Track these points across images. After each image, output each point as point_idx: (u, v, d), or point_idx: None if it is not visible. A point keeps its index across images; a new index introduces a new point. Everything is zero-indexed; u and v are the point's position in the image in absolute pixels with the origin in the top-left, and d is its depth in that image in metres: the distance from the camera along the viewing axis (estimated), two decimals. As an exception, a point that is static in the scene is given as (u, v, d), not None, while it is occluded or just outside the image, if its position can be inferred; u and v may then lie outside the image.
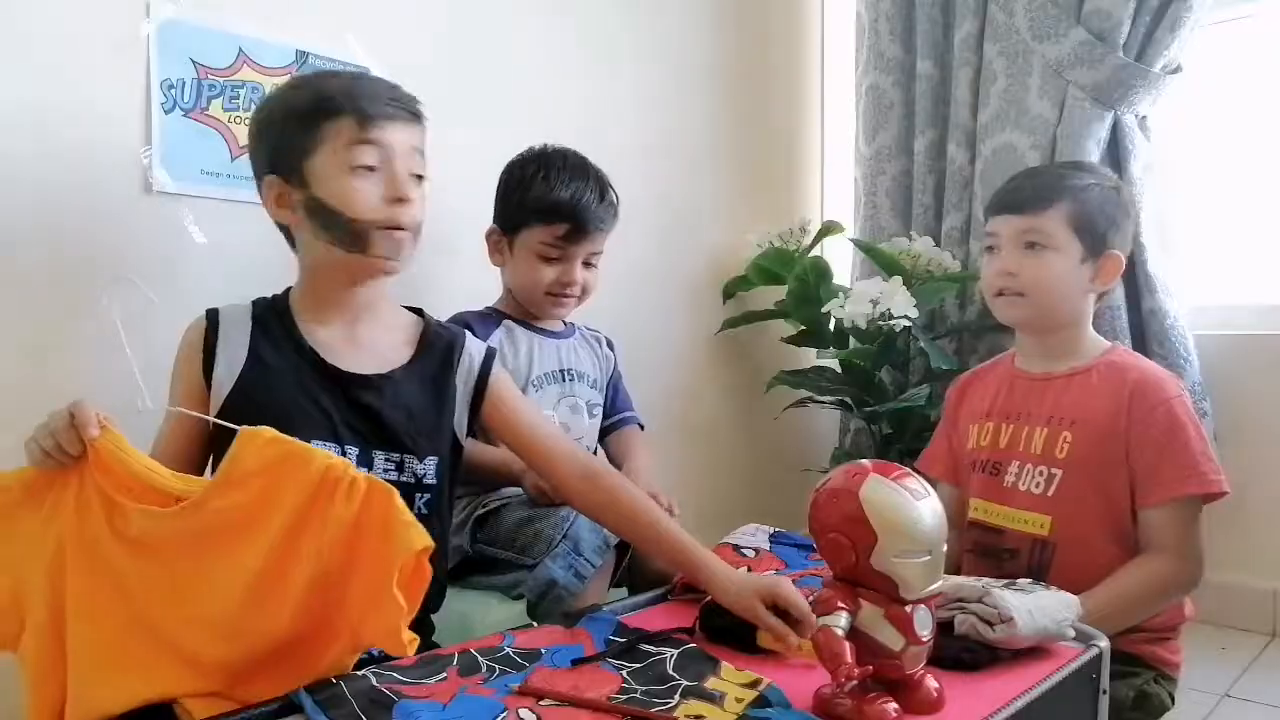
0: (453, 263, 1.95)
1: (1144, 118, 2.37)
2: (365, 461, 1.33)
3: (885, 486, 1.01)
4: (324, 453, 1.10)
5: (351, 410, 1.33)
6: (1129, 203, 1.69)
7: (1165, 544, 1.53)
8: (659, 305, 2.49)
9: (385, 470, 1.34)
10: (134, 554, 1.10)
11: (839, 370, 2.51)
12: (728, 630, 1.22)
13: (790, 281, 2.46)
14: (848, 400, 2.52)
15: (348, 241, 1.32)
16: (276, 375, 1.32)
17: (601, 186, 1.77)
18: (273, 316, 1.37)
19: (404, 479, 1.35)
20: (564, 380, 1.80)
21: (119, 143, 1.57)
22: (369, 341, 1.39)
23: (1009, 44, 2.47)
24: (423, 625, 1.41)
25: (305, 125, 1.31)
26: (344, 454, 1.30)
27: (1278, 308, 2.42)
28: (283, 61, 1.75)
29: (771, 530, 1.59)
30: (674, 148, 2.55)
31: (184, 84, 1.63)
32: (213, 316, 1.35)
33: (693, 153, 2.62)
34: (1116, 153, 2.34)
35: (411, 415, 1.37)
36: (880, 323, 2.27)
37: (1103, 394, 1.60)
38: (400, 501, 1.06)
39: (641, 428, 1.95)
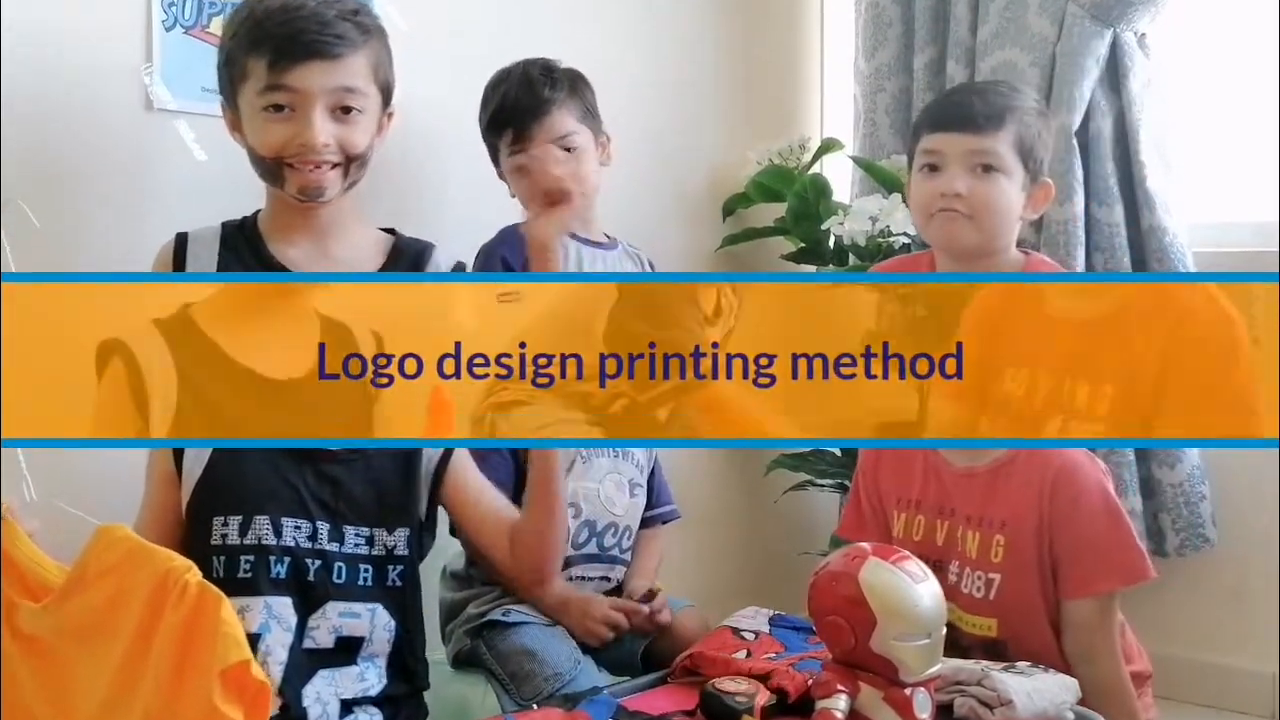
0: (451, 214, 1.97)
1: (1143, 35, 2.35)
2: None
3: (884, 569, 1.02)
4: (167, 553, 1.05)
5: None
6: (1051, 131, 1.67)
7: (1094, 649, 1.49)
8: (657, 221, 2.47)
9: (356, 546, 1.31)
10: (26, 655, 1.08)
11: (838, 454, 2.46)
12: (729, 712, 1.20)
13: (790, 199, 2.46)
14: (846, 484, 2.45)
15: (268, 176, 1.35)
16: None
17: (528, 76, 1.66)
18: (241, 239, 1.38)
19: (375, 552, 1.33)
20: None
21: (119, 60, 1.58)
22: (340, 259, 1.40)
23: (1010, -41, 2.44)
24: (418, 707, 1.40)
25: (236, 56, 1.32)
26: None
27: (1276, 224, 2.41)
28: (281, -23, 1.74)
29: (771, 613, 1.57)
30: (672, 65, 2.53)
31: (184, 1, 1.63)
32: (180, 239, 1.37)
33: (691, 71, 2.60)
34: (1115, 70, 2.33)
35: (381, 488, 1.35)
36: (879, 239, 2.29)
37: (1025, 490, 1.52)
38: (229, 611, 1.00)
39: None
